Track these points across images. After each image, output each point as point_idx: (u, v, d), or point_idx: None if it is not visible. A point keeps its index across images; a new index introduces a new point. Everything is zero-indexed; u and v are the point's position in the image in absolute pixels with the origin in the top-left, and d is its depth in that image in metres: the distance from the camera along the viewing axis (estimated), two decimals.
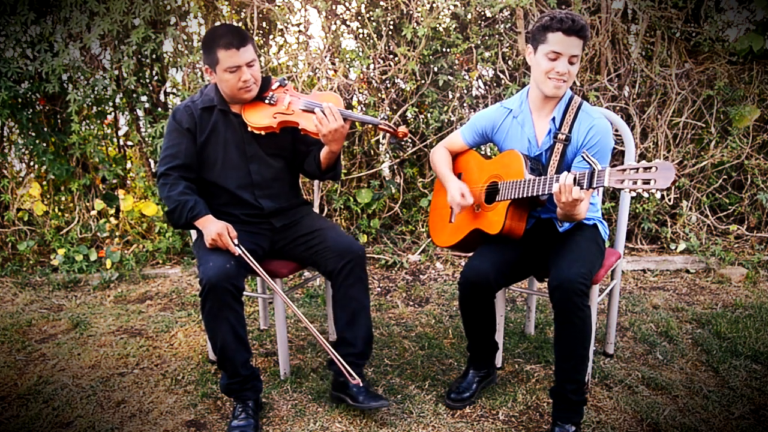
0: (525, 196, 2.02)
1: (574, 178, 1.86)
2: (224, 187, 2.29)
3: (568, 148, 2.11)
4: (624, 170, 1.74)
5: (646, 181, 1.69)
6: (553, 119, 2.13)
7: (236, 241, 2.15)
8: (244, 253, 2.14)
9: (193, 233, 2.45)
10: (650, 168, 1.68)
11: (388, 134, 2.25)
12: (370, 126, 3.67)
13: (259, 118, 2.21)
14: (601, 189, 2.07)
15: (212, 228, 2.13)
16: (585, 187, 1.84)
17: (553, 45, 1.99)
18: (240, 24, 3.62)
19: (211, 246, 2.13)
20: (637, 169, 1.71)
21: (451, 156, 2.42)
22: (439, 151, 2.41)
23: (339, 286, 2.25)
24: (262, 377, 2.35)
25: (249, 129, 2.23)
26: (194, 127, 2.24)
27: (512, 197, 2.06)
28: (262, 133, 2.23)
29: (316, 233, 2.31)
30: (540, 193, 1.98)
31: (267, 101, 2.25)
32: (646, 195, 1.74)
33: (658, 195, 1.73)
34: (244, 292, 2.14)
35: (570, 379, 2.03)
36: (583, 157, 1.86)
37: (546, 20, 2.00)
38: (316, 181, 2.77)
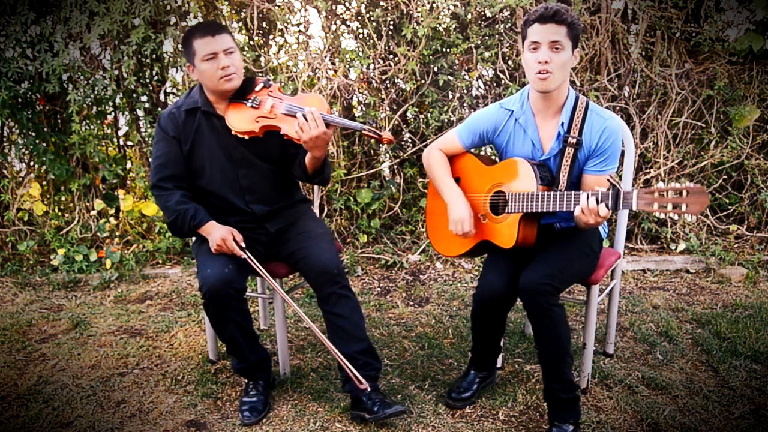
0: (539, 211, 1.97)
1: (597, 199, 1.81)
2: (214, 193, 2.25)
3: (580, 152, 2.04)
4: (653, 192, 1.70)
5: (677, 206, 1.65)
6: (562, 124, 2.04)
7: (243, 245, 2.14)
8: (249, 257, 2.13)
9: None
10: (681, 192, 1.65)
11: (372, 140, 2.18)
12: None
13: (241, 123, 2.15)
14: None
15: (216, 234, 2.12)
16: (610, 207, 1.79)
17: (532, 36, 1.95)
18: (240, 24, 3.62)
19: (216, 252, 2.12)
20: (667, 192, 1.67)
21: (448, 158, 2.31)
22: (435, 154, 2.27)
23: (324, 309, 2.23)
24: None
25: (233, 133, 2.17)
26: (179, 134, 2.20)
27: (525, 211, 2.00)
28: (246, 137, 2.17)
29: (301, 245, 2.26)
30: (556, 210, 1.93)
31: (250, 104, 2.17)
32: (676, 217, 1.72)
33: (690, 218, 1.71)
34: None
35: (555, 379, 2.04)
36: (608, 179, 1.81)
37: (525, 16, 1.99)
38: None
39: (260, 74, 3.51)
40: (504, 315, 2.18)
